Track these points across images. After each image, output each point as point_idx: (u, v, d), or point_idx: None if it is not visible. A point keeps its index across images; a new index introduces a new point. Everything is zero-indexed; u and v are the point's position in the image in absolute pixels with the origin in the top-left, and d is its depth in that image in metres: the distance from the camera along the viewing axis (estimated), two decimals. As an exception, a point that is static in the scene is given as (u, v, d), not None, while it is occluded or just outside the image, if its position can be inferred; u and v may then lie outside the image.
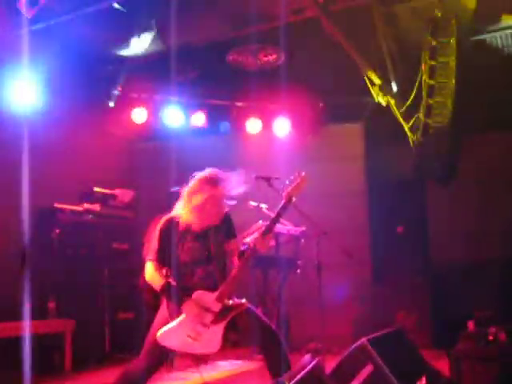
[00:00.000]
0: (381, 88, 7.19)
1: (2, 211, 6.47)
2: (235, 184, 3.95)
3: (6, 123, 6.67)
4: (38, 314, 6.08)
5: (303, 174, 3.96)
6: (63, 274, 6.49)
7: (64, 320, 6.16)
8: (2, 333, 5.57)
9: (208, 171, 3.97)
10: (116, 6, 6.10)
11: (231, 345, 3.89)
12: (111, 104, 7.73)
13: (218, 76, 7.57)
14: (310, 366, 2.76)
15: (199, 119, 8.08)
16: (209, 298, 3.72)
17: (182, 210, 3.91)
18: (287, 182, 3.92)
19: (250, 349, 6.05)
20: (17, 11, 5.82)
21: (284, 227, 6.45)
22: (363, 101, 7.90)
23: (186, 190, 3.93)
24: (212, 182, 3.89)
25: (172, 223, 3.89)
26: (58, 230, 6.54)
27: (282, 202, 3.88)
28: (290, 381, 2.59)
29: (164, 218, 3.93)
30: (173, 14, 5.69)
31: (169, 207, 4.08)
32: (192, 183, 3.93)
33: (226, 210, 3.98)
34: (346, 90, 7.86)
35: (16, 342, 5.67)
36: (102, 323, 6.79)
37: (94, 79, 7.43)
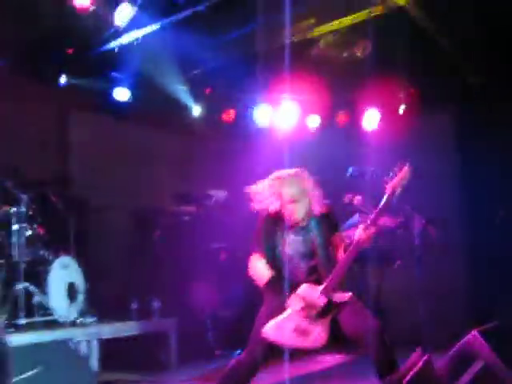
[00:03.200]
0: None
1: (105, 214, 6.76)
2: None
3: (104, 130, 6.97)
4: (143, 313, 6.32)
5: (406, 166, 3.83)
6: (167, 274, 6.69)
7: (168, 318, 6.34)
8: (113, 333, 5.78)
9: (285, 170, 3.97)
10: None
11: (335, 338, 3.85)
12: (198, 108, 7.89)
13: (304, 72, 7.53)
14: (421, 363, 2.70)
15: (288, 116, 8.09)
16: (314, 292, 3.70)
17: (275, 205, 3.93)
18: (390, 175, 3.80)
19: (354, 343, 6.02)
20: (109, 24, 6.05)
21: (383, 219, 6.36)
22: (455, 83, 7.65)
23: (277, 185, 3.95)
24: (301, 177, 3.90)
25: (274, 218, 3.93)
26: (158, 232, 6.76)
27: (386, 195, 3.76)
28: (401, 379, 2.55)
29: (266, 213, 3.96)
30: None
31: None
32: (284, 179, 3.93)
33: (329, 204, 3.97)
34: (435, 76, 7.64)
35: (124, 341, 5.93)
36: (205, 321, 6.94)
37: (183, 82, 7.61)
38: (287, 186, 3.85)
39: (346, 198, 6.00)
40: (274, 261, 3.91)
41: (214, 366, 6.16)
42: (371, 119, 8.15)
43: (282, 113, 8.07)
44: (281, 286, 3.81)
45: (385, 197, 3.76)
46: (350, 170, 4.83)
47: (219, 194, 7.39)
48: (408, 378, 2.51)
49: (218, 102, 8.14)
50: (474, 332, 3.69)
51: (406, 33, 6.73)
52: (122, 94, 7.04)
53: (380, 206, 3.75)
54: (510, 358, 3.72)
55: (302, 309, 3.69)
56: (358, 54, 7.30)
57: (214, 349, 6.88)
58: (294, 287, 3.76)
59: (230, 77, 7.55)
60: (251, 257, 3.94)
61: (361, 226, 3.72)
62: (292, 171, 3.95)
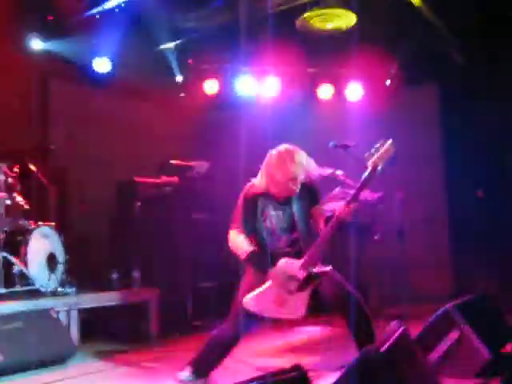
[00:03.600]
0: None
1: (86, 185, 6.72)
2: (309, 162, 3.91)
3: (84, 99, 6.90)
4: (124, 283, 6.32)
5: (389, 141, 3.77)
6: (146, 245, 6.69)
7: (149, 288, 6.36)
8: (93, 302, 5.79)
9: (284, 147, 3.93)
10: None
11: (313, 311, 3.90)
12: (180, 78, 7.83)
13: (288, 43, 7.48)
14: (397, 333, 2.76)
15: (271, 87, 8.05)
16: (294, 265, 3.74)
17: (261, 181, 3.93)
18: (372, 150, 3.73)
19: (330, 314, 6.10)
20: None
21: (363, 193, 6.38)
22: (438, 61, 7.66)
23: (264, 163, 3.93)
24: (286, 159, 3.85)
25: (254, 192, 3.92)
26: (138, 203, 6.74)
27: (368, 170, 3.72)
28: (378, 349, 2.61)
29: (246, 187, 3.96)
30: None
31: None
32: (269, 157, 3.91)
33: (314, 178, 3.97)
34: (419, 51, 7.64)
35: (105, 310, 5.94)
36: (185, 292, 6.97)
37: (164, 53, 7.53)
38: (292, 164, 3.81)
39: (327, 172, 6.00)
40: (254, 235, 3.92)
41: (193, 336, 6.21)
42: (355, 92, 8.16)
43: (266, 84, 8.04)
44: (261, 259, 3.83)
45: (366, 172, 3.73)
46: (332, 142, 4.80)
47: (201, 165, 7.36)
48: (384, 347, 2.56)
49: (201, 72, 8.08)
50: (450, 304, 3.75)
51: (391, 6, 6.72)
52: (102, 64, 6.95)
53: (361, 182, 3.73)
54: (483, 330, 3.80)
55: (282, 282, 3.73)
56: (343, 27, 7.25)
57: (193, 319, 6.93)
58: (274, 260, 3.78)
59: (213, 47, 7.50)
60: (230, 231, 3.95)
61: (342, 202, 3.73)
62: (293, 149, 3.90)
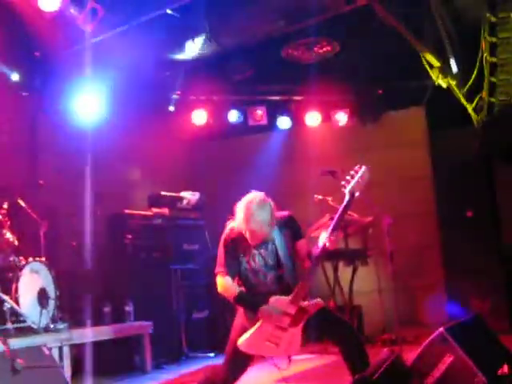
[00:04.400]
0: (440, 70, 7.02)
1: (76, 219, 6.71)
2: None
3: (74, 135, 6.91)
4: (117, 317, 6.28)
5: (363, 167, 3.79)
6: (138, 278, 6.67)
7: (141, 322, 6.32)
8: (85, 338, 5.74)
9: (253, 197, 3.93)
10: (169, 12, 6.21)
11: (307, 340, 3.91)
12: (171, 108, 7.89)
13: (274, 72, 7.58)
14: (389, 360, 2.75)
15: (258, 116, 8.13)
16: (284, 301, 3.74)
17: (240, 225, 3.93)
18: (348, 178, 3.76)
19: (324, 343, 6.07)
20: (76, 27, 6.00)
21: (352, 218, 6.42)
22: (422, 85, 7.77)
23: (237, 211, 3.94)
24: (248, 213, 3.82)
25: (234, 235, 3.93)
26: (129, 236, 6.73)
27: (346, 198, 3.75)
28: (372, 375, 2.60)
29: (226, 231, 3.97)
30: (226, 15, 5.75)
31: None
32: (241, 208, 3.91)
33: (288, 213, 3.99)
34: (403, 76, 7.75)
35: (98, 345, 5.89)
36: (178, 323, 6.93)
37: (152, 86, 7.58)
38: (257, 213, 3.81)
39: (316, 198, 6.05)
40: (240, 276, 3.93)
41: (187, 369, 6.17)
42: (341, 118, 8.26)
43: (253, 113, 8.11)
44: (250, 299, 3.84)
45: (345, 201, 3.76)
46: (321, 170, 4.85)
47: (191, 196, 7.38)
48: (377, 375, 2.55)
49: (189, 103, 8.15)
50: (441, 329, 3.75)
51: (371, 32, 6.83)
52: (92, 100, 6.96)
53: (340, 211, 3.76)
54: (478, 352, 3.80)
55: (274, 319, 3.73)
56: (328, 54, 7.37)
57: (187, 351, 6.90)
58: (263, 299, 3.79)
59: (201, 78, 7.58)
60: (217, 276, 3.95)
61: (323, 232, 3.75)
62: (260, 197, 3.92)
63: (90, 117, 6.91)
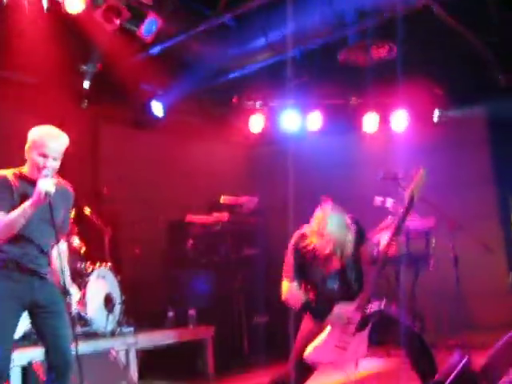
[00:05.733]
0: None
1: (139, 226, 6.85)
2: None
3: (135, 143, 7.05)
4: (180, 321, 6.38)
5: (421, 170, 3.82)
6: (199, 283, 6.75)
7: (205, 326, 6.39)
8: (150, 342, 5.85)
9: (326, 207, 3.95)
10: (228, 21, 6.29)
11: (373, 344, 3.90)
12: (229, 114, 7.98)
13: (331, 75, 7.55)
14: (461, 364, 2.70)
15: (316, 120, 8.10)
16: (349, 308, 3.77)
17: (311, 233, 3.95)
18: (407, 181, 3.85)
19: (387, 346, 6.00)
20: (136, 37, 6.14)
21: (414, 222, 6.32)
22: (483, 85, 7.60)
23: (313, 220, 3.96)
24: (322, 229, 3.87)
25: (304, 240, 3.95)
26: (191, 241, 6.83)
27: (406, 201, 3.78)
28: (443, 382, 2.57)
29: (296, 235, 4.00)
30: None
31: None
32: (315, 217, 3.94)
33: (352, 217, 3.99)
34: (464, 76, 7.59)
35: (162, 349, 5.99)
36: (239, 328, 6.98)
37: (210, 92, 7.68)
38: (330, 223, 3.85)
39: (377, 201, 5.98)
40: (307, 282, 3.95)
41: (249, 373, 6.20)
42: (400, 121, 8.12)
43: (310, 118, 8.09)
44: (316, 307, 3.86)
45: (404, 204, 3.77)
46: (380, 174, 4.81)
47: (250, 201, 7.44)
48: (449, 380, 2.51)
49: (246, 109, 8.21)
50: (512, 332, 3.66)
51: (433, 32, 6.71)
52: (155, 107, 7.11)
53: (400, 215, 3.76)
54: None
55: (340, 326, 3.75)
56: (385, 56, 7.29)
57: (248, 355, 6.93)
58: (329, 305, 3.80)
59: (257, 84, 7.62)
60: (283, 282, 3.98)
61: (385, 237, 3.74)
62: (333, 208, 3.94)
63: (151, 125, 7.05)
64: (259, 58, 6.71)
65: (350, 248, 3.88)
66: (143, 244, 6.80)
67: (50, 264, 3.64)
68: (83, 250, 5.77)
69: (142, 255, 6.75)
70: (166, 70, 6.84)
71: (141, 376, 5.61)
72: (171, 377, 6.07)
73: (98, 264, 5.77)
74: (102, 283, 5.69)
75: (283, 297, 3.98)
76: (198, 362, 6.45)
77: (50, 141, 3.54)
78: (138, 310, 6.14)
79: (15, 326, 3.54)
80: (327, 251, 3.88)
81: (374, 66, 7.33)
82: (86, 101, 6.98)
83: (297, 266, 3.95)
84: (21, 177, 3.56)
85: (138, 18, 5.89)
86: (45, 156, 3.52)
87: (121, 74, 6.83)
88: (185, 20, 6.29)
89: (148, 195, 7.11)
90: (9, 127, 6.12)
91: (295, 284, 3.92)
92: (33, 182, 3.47)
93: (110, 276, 5.82)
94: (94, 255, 5.94)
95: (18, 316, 3.55)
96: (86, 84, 6.77)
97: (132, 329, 5.77)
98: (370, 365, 6.13)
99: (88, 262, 5.76)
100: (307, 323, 3.96)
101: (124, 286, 5.92)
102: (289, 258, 3.98)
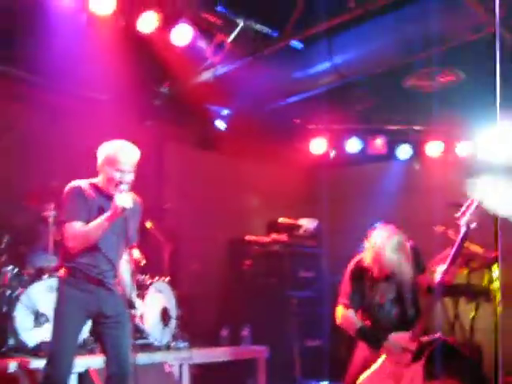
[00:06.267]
0: None
1: (198, 243, 6.94)
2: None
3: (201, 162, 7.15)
4: (233, 341, 6.41)
5: (476, 198, 3.72)
6: (254, 303, 6.77)
7: (258, 346, 6.40)
8: (204, 357, 5.90)
9: (387, 233, 3.91)
10: (294, 43, 6.35)
11: (429, 377, 3.83)
12: (291, 136, 8.02)
13: (395, 101, 7.51)
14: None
15: (378, 145, 8.06)
16: (404, 337, 3.72)
17: (368, 257, 3.93)
18: (463, 208, 3.70)
19: (448, 379, 5.85)
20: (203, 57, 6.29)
21: (474, 252, 6.17)
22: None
23: (370, 241, 3.94)
24: (388, 248, 3.86)
25: (362, 267, 3.94)
26: (248, 261, 6.87)
27: (462, 230, 3.70)
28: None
29: (354, 261, 3.99)
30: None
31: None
32: (373, 242, 3.92)
33: (412, 244, 3.95)
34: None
35: (213, 366, 6.02)
36: (292, 350, 6.94)
37: (273, 113, 7.75)
38: (390, 250, 3.84)
39: (439, 228, 5.88)
40: (364, 310, 3.92)
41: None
42: (465, 148, 7.99)
43: (373, 143, 8.05)
44: (372, 334, 3.82)
45: (461, 233, 3.69)
46: (447, 202, 4.74)
47: (309, 224, 7.43)
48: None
49: (308, 131, 8.24)
50: None
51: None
52: (218, 127, 7.23)
53: (457, 244, 3.69)
54: None
55: (395, 356, 3.69)
56: (450, 83, 7.20)
57: (300, 378, 6.88)
58: (385, 333, 3.75)
59: (320, 107, 7.64)
60: (338, 307, 3.96)
61: (441, 268, 3.69)
62: (394, 234, 3.91)
63: (215, 144, 7.16)
64: (324, 82, 6.73)
65: (407, 275, 3.84)
66: (202, 261, 6.88)
67: (116, 276, 3.72)
68: (143, 262, 5.87)
69: (200, 272, 6.83)
70: (230, 90, 6.95)
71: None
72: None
73: (156, 278, 5.86)
74: (159, 297, 5.78)
75: (338, 322, 3.96)
76: (249, 382, 6.45)
77: (124, 155, 3.65)
78: (192, 326, 6.19)
79: (79, 334, 3.64)
80: (384, 277, 3.85)
81: (439, 92, 7.26)
82: (152, 119, 7.17)
83: (353, 293, 3.93)
84: (97, 189, 3.67)
85: (207, 38, 6.06)
86: (120, 171, 3.62)
87: (186, 93, 7.02)
88: (251, 41, 6.40)
89: (209, 213, 7.20)
90: (79, 142, 6.35)
91: (351, 311, 3.90)
92: (108, 196, 3.56)
93: (168, 290, 5.90)
94: (152, 269, 6.04)
95: (83, 325, 3.66)
96: (157, 102, 6.95)
97: (186, 343, 5.82)
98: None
99: (147, 275, 5.87)
100: (362, 350, 3.93)
101: (180, 302, 5.99)
102: (345, 284, 3.97)
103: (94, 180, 3.73)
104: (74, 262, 3.57)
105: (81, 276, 3.57)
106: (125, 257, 3.74)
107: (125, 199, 3.47)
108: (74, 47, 5.46)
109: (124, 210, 3.45)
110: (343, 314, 3.93)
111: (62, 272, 3.65)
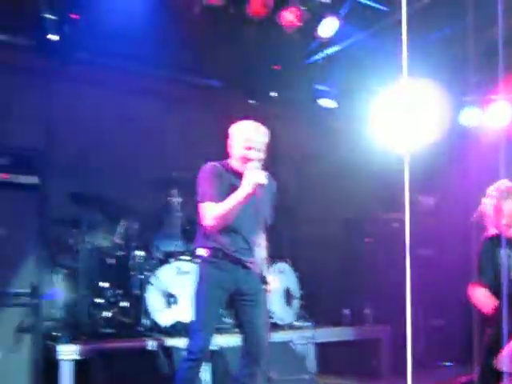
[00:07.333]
0: None
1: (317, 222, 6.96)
2: None
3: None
4: (355, 320, 6.40)
5: None
6: (376, 281, 6.71)
7: (381, 325, 6.35)
8: (328, 337, 5.94)
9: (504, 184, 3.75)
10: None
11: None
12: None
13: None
14: None
15: (500, 116, 7.64)
16: None
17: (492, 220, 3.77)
18: None
19: None
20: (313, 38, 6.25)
21: None
22: None
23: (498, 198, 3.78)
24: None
25: (494, 240, 3.78)
26: (367, 240, 6.82)
27: None
28: None
29: (485, 237, 3.84)
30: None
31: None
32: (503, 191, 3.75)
33: None
34: None
35: (336, 346, 6.06)
36: (415, 330, 6.83)
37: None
38: (508, 199, 3.67)
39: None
40: (497, 286, 3.78)
41: (424, 376, 6.06)
42: None
43: (493, 113, 7.66)
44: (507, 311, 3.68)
45: None
46: None
47: (428, 200, 7.25)
48: None
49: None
50: None
51: None
52: (328, 104, 7.17)
53: None
54: None
55: None
56: None
57: (424, 358, 6.76)
58: None
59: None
60: (472, 286, 3.84)
61: None
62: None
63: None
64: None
65: None
66: (320, 242, 6.90)
67: (253, 254, 3.78)
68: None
69: (319, 252, 6.85)
70: (340, 69, 6.88)
71: (318, 370, 5.70)
72: (345, 374, 6.11)
73: (277, 259, 5.94)
74: (281, 277, 5.86)
75: (473, 300, 3.84)
76: (372, 362, 6.43)
77: (255, 134, 3.72)
78: (314, 307, 6.23)
79: (218, 312, 3.76)
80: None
81: None
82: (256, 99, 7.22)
83: (485, 266, 3.79)
84: (228, 168, 3.77)
85: (317, 18, 6.01)
86: (252, 149, 3.69)
87: (294, 73, 7.01)
88: (361, 18, 6.29)
89: (325, 193, 7.17)
90: (198, 128, 6.56)
91: (484, 289, 3.77)
92: (241, 175, 3.64)
93: (289, 271, 5.97)
94: (273, 251, 6.12)
95: (223, 304, 3.78)
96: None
97: (310, 323, 5.88)
98: None
99: (268, 257, 5.94)
100: (495, 329, 3.78)
101: (302, 282, 6.04)
102: (478, 259, 3.84)
103: (226, 161, 3.83)
104: (212, 241, 3.68)
105: (220, 255, 3.67)
106: (260, 236, 3.80)
107: (259, 176, 3.51)
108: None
109: (257, 186, 3.49)
110: (476, 292, 3.81)
111: (201, 251, 3.76)
